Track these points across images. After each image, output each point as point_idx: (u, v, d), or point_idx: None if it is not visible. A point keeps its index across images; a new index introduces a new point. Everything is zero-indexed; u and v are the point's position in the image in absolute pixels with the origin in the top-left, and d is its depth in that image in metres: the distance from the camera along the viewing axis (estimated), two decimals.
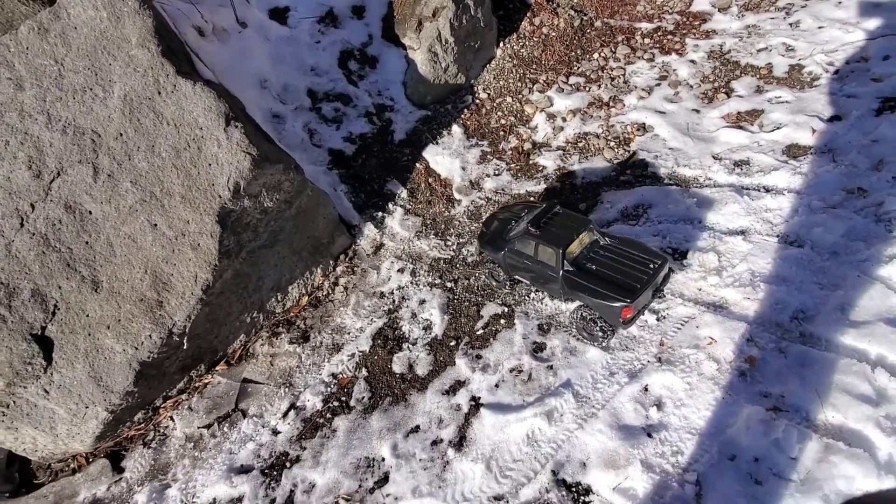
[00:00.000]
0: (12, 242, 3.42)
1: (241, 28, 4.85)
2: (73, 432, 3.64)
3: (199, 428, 3.91)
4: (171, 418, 3.98)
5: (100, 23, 3.45)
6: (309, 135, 4.87)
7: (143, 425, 3.95)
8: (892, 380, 2.88)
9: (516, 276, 3.95)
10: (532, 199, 4.35)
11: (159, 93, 3.51)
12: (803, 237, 3.80)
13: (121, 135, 3.49)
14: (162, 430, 3.94)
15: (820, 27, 5.35)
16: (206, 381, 4.12)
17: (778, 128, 4.62)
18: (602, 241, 3.61)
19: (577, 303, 3.56)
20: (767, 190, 4.20)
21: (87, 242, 3.53)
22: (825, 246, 3.68)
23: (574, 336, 3.71)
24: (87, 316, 3.55)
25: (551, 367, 3.61)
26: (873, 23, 5.16)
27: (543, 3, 6.14)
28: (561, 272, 3.47)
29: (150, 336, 3.61)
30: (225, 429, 3.90)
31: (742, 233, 3.96)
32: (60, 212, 3.45)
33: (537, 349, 3.77)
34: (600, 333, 3.50)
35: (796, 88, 4.98)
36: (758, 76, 5.22)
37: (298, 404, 3.95)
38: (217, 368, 4.18)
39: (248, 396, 4.09)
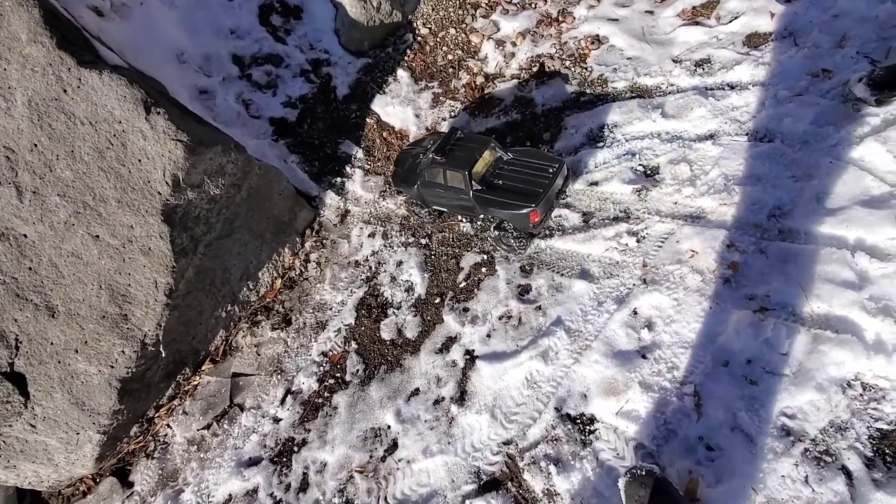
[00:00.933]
0: None
1: None
2: (71, 459, 3.56)
3: (198, 430, 3.86)
4: (168, 426, 3.91)
5: None
6: (244, 106, 4.47)
7: (141, 438, 3.88)
8: (872, 261, 2.89)
9: (435, 207, 4.14)
10: (433, 135, 4.33)
11: (65, 91, 3.12)
12: (773, 131, 3.69)
13: (35, 146, 3.13)
14: (162, 439, 3.88)
15: None
16: (195, 382, 4.02)
17: (735, 17, 4.38)
18: (505, 156, 3.84)
19: (494, 220, 3.91)
20: (732, 87, 4.03)
21: (30, 268, 3.27)
22: (795, 136, 3.59)
23: (497, 250, 3.97)
24: (52, 344, 3.36)
25: (539, 307, 3.57)
26: None
27: None
28: (471, 193, 3.68)
29: (122, 352, 3.45)
30: (225, 426, 3.85)
31: (711, 137, 3.83)
32: None
33: (523, 292, 3.72)
34: (516, 243, 3.82)
35: None
36: None
37: (294, 389, 3.90)
38: (203, 368, 4.06)
39: (241, 390, 4.02)
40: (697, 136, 3.88)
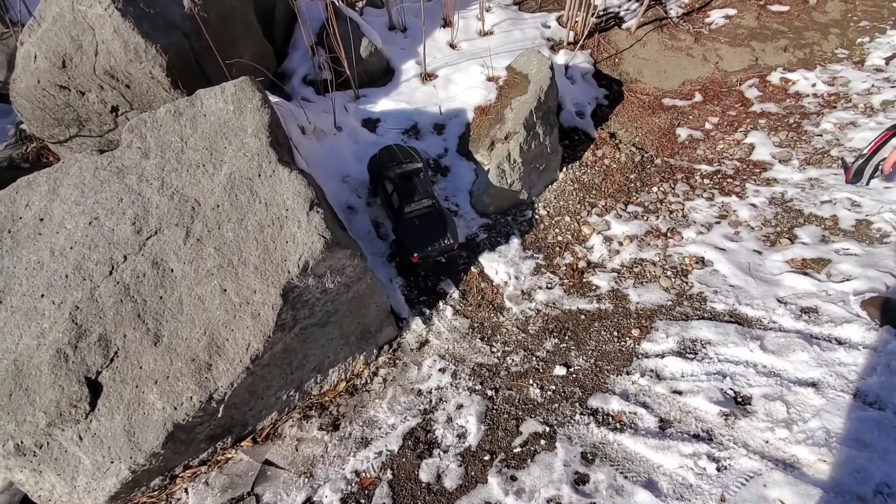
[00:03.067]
0: (97, 287, 3.71)
1: (337, 131, 5.51)
2: (90, 487, 3.56)
3: None
4: (186, 490, 3.83)
5: (225, 114, 4.04)
6: (375, 228, 5.19)
7: (156, 493, 3.81)
8: None
9: (377, 196, 5.19)
10: (411, 161, 5.09)
11: (259, 175, 3.94)
12: (884, 399, 3.47)
13: (218, 206, 3.88)
14: (173, 503, 3.78)
15: (887, 187, 5.39)
16: (229, 456, 4.01)
17: (847, 279, 4.48)
18: (433, 209, 4.72)
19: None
20: (840, 342, 3.95)
21: (161, 297, 3.76)
22: None
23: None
24: (140, 368, 3.66)
25: None
26: None
27: (606, 139, 6.61)
28: (399, 220, 4.67)
29: (190, 398, 3.63)
30: None
31: (813, 385, 3.67)
32: (147, 266, 3.75)
33: (579, 481, 3.46)
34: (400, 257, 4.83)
35: (865, 243, 4.89)
36: (823, 226, 5.20)
37: (315, 499, 3.72)
38: (242, 444, 4.08)
39: (265, 480, 3.91)
40: (798, 380, 3.73)
